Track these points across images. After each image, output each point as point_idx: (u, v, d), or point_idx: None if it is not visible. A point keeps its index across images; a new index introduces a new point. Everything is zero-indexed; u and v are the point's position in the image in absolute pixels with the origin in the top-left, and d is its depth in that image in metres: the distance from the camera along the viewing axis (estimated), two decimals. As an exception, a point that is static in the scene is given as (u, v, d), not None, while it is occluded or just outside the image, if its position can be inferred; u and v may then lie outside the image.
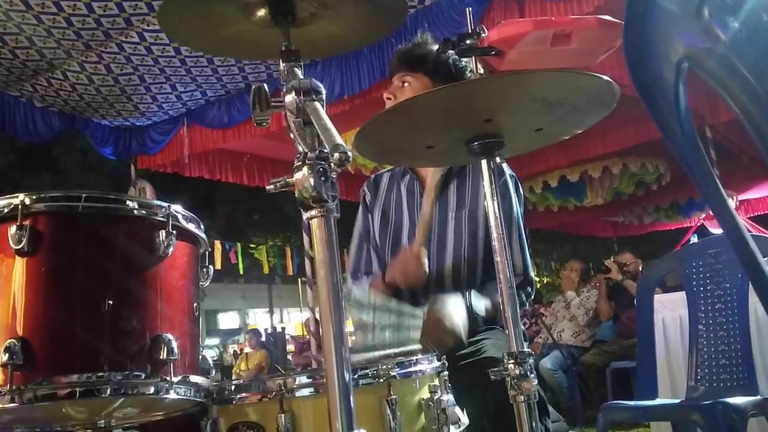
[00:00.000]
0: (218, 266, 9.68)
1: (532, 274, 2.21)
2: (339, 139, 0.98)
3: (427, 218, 2.10)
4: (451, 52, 2.07)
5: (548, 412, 1.92)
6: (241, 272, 14.09)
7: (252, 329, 13.01)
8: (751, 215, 10.23)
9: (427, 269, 2.07)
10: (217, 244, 9.89)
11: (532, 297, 2.21)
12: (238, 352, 11.61)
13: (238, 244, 11.21)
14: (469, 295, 2.04)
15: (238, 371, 10.39)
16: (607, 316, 6.28)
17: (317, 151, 1.03)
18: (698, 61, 0.74)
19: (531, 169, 7.50)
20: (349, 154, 0.97)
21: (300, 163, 1.02)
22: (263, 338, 12.95)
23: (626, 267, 6.27)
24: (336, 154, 0.97)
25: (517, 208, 2.20)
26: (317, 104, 1.09)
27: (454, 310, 1.94)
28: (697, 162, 0.76)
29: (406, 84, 2.13)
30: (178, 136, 6.13)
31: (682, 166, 0.75)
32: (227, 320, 26.97)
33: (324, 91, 1.12)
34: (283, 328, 18.42)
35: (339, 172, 1.04)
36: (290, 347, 13.51)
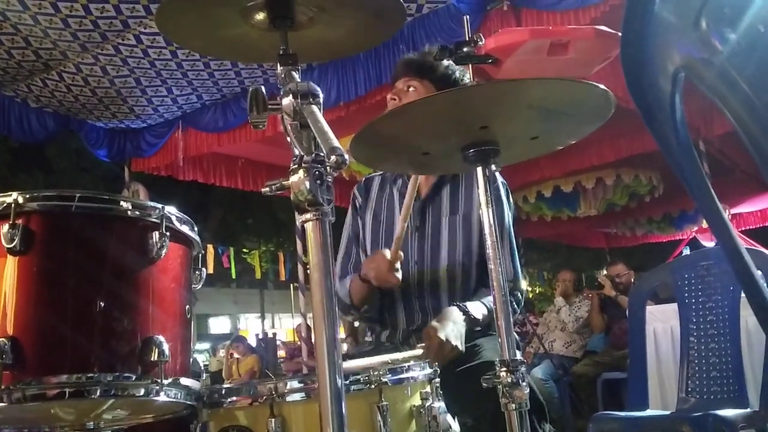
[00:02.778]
0: (210, 270, 9.66)
1: (522, 281, 2.22)
2: (336, 142, 0.98)
3: (400, 233, 2.08)
4: (457, 66, 2.09)
5: (546, 416, 1.91)
6: (234, 277, 14.05)
7: (236, 337, 12.85)
8: (743, 229, 10.26)
9: (399, 278, 2.07)
10: (210, 248, 9.87)
11: (522, 304, 2.21)
12: (229, 356, 11.51)
13: (231, 249, 11.19)
14: (465, 305, 2.04)
15: (229, 375, 10.32)
16: (599, 329, 6.29)
17: (313, 155, 1.03)
18: (696, 71, 0.75)
19: (525, 178, 7.51)
20: (346, 157, 0.97)
21: (296, 166, 1.02)
22: (254, 344, 12.86)
23: (618, 278, 6.28)
24: (333, 157, 0.97)
25: (508, 215, 2.21)
26: (314, 107, 1.09)
27: (453, 323, 1.93)
28: (693, 172, 0.76)
29: (411, 88, 2.14)
30: (173, 139, 6.11)
31: (677, 175, 0.75)
32: (218, 325, 26.86)
33: (321, 95, 1.12)
34: (275, 334, 18.33)
35: (335, 176, 1.04)
36: (281, 353, 13.43)
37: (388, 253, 2.07)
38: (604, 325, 6.23)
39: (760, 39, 0.70)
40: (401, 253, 2.08)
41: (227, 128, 5.76)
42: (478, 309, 2.04)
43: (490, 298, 2.03)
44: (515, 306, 2.15)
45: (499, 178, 2.21)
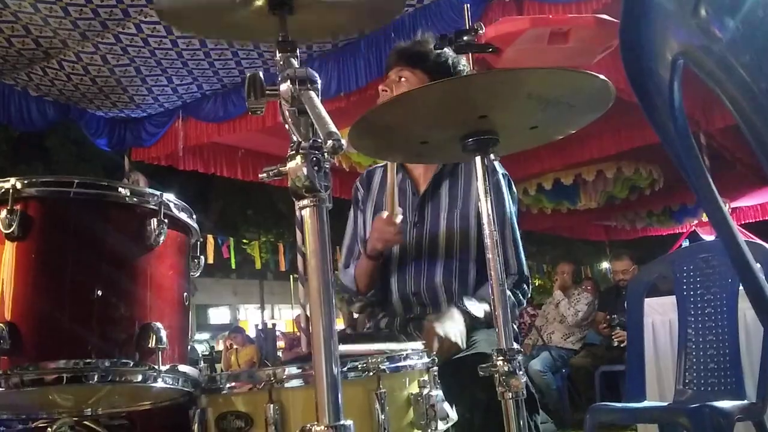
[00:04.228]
0: (210, 260, 9.66)
1: (528, 273, 2.21)
2: (333, 127, 0.98)
3: (390, 189, 2.10)
4: (450, 52, 2.07)
5: (538, 409, 1.92)
6: (233, 267, 14.06)
7: (235, 327, 12.90)
8: (743, 223, 10.27)
9: (400, 233, 2.10)
10: (210, 238, 9.86)
11: (528, 296, 2.20)
12: (228, 346, 11.55)
13: (231, 239, 11.19)
14: (463, 303, 2.03)
15: (228, 365, 10.35)
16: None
17: (311, 141, 1.02)
18: (695, 59, 0.74)
19: (525, 171, 7.50)
20: (343, 142, 0.96)
21: (294, 152, 1.02)
22: (253, 334, 12.88)
23: (624, 274, 6.20)
24: (330, 142, 0.97)
25: (510, 207, 2.20)
26: (312, 93, 1.08)
27: (452, 321, 1.93)
28: (690, 159, 0.76)
29: (402, 78, 2.13)
30: (173, 129, 6.10)
31: (675, 163, 0.75)
32: (218, 315, 26.90)
33: (319, 81, 1.12)
34: (274, 324, 18.38)
35: (333, 165, 1.04)
36: (280, 343, 13.46)
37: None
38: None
39: (759, 25, 0.70)
40: (400, 209, 2.10)
41: (227, 118, 5.75)
42: (478, 308, 2.03)
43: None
44: (521, 298, 2.15)
45: (501, 169, 2.20)
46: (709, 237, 8.33)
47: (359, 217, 2.36)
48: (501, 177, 2.19)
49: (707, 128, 6.03)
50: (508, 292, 2.10)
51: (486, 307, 2.04)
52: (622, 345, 5.57)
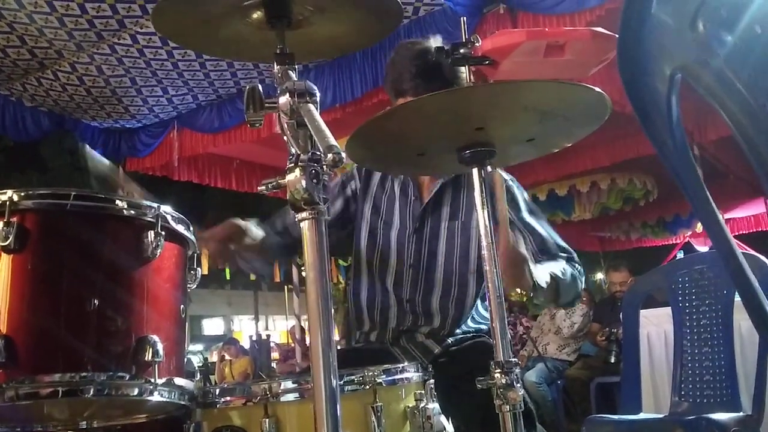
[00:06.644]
0: (205, 271, 9.60)
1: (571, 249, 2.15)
2: (333, 140, 0.98)
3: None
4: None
5: (535, 423, 1.91)
6: (228, 278, 14.02)
7: (229, 338, 12.86)
8: (736, 234, 10.30)
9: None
10: (205, 249, 9.83)
11: (583, 273, 2.11)
12: (222, 358, 11.49)
13: (225, 250, 11.13)
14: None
15: (222, 377, 10.30)
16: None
17: (310, 153, 1.03)
18: (692, 73, 0.75)
19: (520, 181, 7.46)
20: (343, 155, 0.97)
21: (292, 164, 1.02)
22: (248, 346, 12.83)
23: (622, 286, 6.19)
24: (330, 155, 0.97)
25: (525, 204, 2.21)
26: (311, 106, 1.09)
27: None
28: (688, 173, 0.76)
29: None
30: (168, 140, 6.09)
31: (673, 177, 0.76)
32: (212, 326, 26.79)
33: (318, 94, 1.13)
34: (268, 336, 18.31)
35: (331, 175, 1.04)
36: (275, 355, 13.41)
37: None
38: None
39: (756, 41, 0.70)
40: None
41: (222, 129, 5.74)
42: (541, 274, 1.87)
43: (561, 264, 1.99)
44: (578, 273, 2.07)
45: (507, 176, 2.20)
46: (703, 248, 8.36)
47: (348, 207, 2.30)
48: (510, 182, 2.19)
49: (700, 140, 6.05)
50: (566, 265, 2.03)
51: (548, 278, 1.89)
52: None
